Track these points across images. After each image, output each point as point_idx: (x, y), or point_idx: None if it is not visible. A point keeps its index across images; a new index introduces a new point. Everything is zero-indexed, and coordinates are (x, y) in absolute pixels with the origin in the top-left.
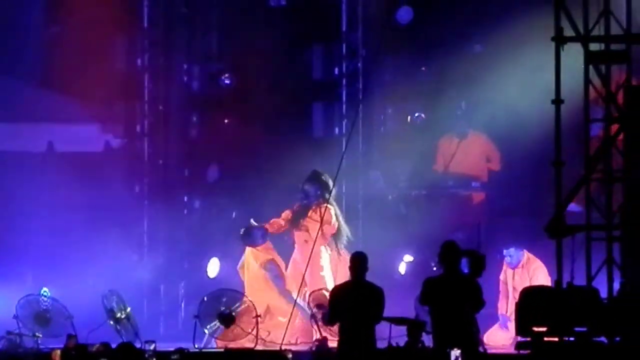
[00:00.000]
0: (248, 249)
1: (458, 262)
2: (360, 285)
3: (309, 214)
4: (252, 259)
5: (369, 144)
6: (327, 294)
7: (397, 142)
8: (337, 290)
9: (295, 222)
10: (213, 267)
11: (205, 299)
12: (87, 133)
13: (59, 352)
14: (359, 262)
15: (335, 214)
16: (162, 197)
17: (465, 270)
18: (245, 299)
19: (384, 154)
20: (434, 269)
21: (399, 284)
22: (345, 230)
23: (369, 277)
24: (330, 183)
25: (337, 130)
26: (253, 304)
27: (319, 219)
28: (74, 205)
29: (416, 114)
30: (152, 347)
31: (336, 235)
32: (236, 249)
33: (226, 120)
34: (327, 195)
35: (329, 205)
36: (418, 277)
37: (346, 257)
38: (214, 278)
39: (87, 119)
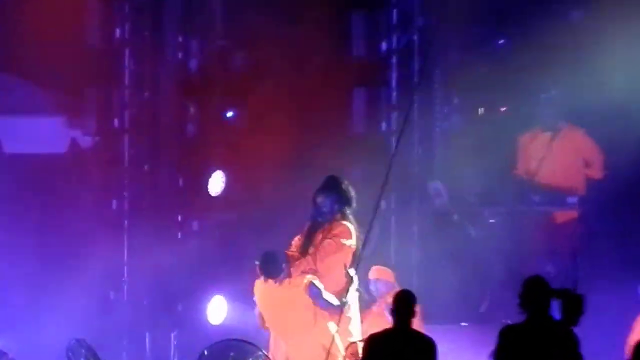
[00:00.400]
0: (262, 285)
1: (547, 305)
2: (406, 335)
3: (319, 237)
4: (271, 295)
5: (427, 144)
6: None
7: (465, 142)
8: (375, 341)
9: (305, 249)
10: (217, 310)
11: (206, 352)
12: (48, 128)
13: None
14: (404, 303)
15: (356, 235)
16: (147, 216)
17: (557, 316)
18: (260, 352)
19: (447, 158)
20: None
21: (465, 334)
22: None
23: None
24: (352, 195)
25: (384, 125)
26: (269, 359)
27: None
28: (26, 226)
29: (491, 105)
30: None
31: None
32: (247, 285)
33: (234, 113)
34: (346, 211)
35: (344, 223)
36: (492, 326)
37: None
38: (218, 325)
39: (48, 110)
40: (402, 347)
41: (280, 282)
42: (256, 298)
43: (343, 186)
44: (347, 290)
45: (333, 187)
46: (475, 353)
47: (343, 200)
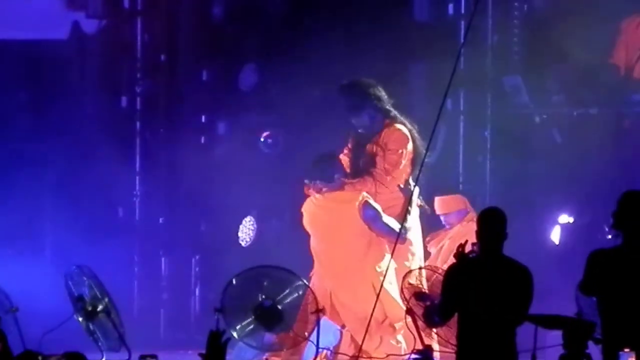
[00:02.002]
0: (311, 203)
1: None
2: (496, 262)
3: (372, 150)
4: (321, 211)
5: (503, 31)
6: (429, 275)
7: (550, 29)
8: (457, 270)
9: (356, 168)
10: (247, 231)
11: (235, 282)
12: (43, 9)
13: None
14: (494, 224)
15: (412, 137)
16: (164, 117)
17: None
18: (299, 282)
19: (528, 48)
20: (609, 237)
21: (552, 260)
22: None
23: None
24: (383, 94)
25: (450, 9)
26: (312, 292)
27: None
28: (19, 128)
29: None
30: None
31: (408, 175)
32: (284, 202)
33: None
34: (392, 112)
35: (398, 126)
36: (581, 250)
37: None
38: (248, 247)
39: None
40: (493, 276)
41: (332, 192)
42: (304, 218)
43: (372, 90)
44: (407, 212)
45: (362, 98)
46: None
47: (381, 103)
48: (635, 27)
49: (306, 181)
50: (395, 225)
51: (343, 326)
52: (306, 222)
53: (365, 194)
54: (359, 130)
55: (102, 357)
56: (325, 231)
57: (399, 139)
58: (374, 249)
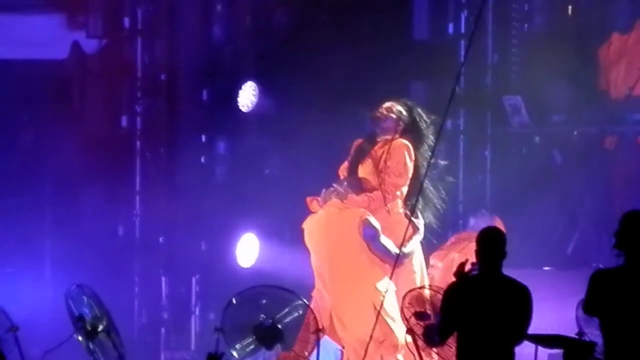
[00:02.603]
0: (311, 219)
1: None
2: (495, 281)
3: (373, 157)
4: (322, 226)
5: (503, 51)
6: (431, 295)
7: (549, 48)
8: (456, 289)
9: (352, 170)
10: (247, 251)
11: (235, 301)
12: (44, 29)
13: None
14: (493, 243)
15: (409, 155)
16: (164, 136)
17: None
18: (299, 301)
19: (527, 67)
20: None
21: (553, 280)
22: (431, 195)
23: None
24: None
25: (450, 28)
26: (312, 311)
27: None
28: (17, 147)
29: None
30: None
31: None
32: (284, 222)
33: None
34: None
35: (404, 142)
36: (581, 271)
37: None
38: (249, 268)
39: (44, 7)
40: (492, 295)
41: (335, 207)
42: (305, 235)
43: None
44: (410, 238)
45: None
46: (559, 302)
47: (410, 115)
48: (634, 43)
49: (323, 191)
50: (393, 248)
51: (344, 347)
52: (307, 239)
53: (364, 211)
54: (377, 131)
55: None
56: (327, 247)
57: (403, 153)
58: (376, 267)
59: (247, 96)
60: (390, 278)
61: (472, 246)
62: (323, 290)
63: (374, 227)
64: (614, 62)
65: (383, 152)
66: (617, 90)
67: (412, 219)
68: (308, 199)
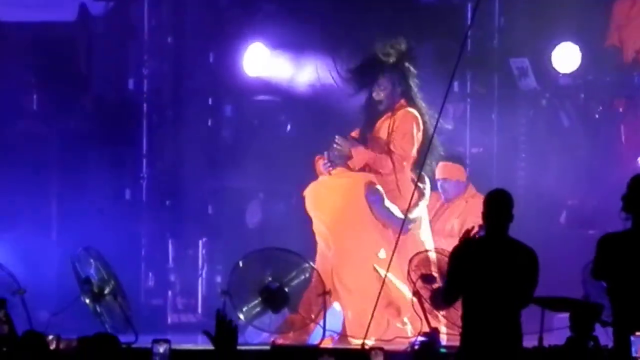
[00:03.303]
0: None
1: None
2: (502, 243)
3: (381, 127)
4: (325, 186)
5: (510, 13)
6: (437, 258)
7: (558, 8)
8: (462, 252)
9: (363, 138)
10: (253, 212)
11: (241, 264)
12: None
13: None
14: (500, 205)
15: (423, 121)
16: (170, 99)
17: None
18: (306, 265)
19: (536, 29)
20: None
21: (558, 241)
22: (438, 149)
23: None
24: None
25: None
26: (319, 274)
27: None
28: (25, 109)
29: None
30: (162, 350)
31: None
32: (292, 184)
33: None
34: (411, 91)
35: (410, 109)
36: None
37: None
38: (255, 226)
39: None
40: (498, 258)
41: (342, 171)
42: (307, 201)
43: (408, 55)
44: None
45: (397, 58)
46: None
47: (406, 78)
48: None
49: (325, 153)
50: (398, 213)
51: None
52: (310, 205)
53: (370, 175)
54: (376, 98)
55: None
56: (331, 209)
57: (411, 122)
58: (376, 232)
59: (256, 59)
60: (397, 242)
61: (467, 208)
62: (327, 252)
63: (379, 191)
64: (633, 19)
65: (391, 121)
66: (627, 50)
67: (419, 184)
68: (317, 157)
